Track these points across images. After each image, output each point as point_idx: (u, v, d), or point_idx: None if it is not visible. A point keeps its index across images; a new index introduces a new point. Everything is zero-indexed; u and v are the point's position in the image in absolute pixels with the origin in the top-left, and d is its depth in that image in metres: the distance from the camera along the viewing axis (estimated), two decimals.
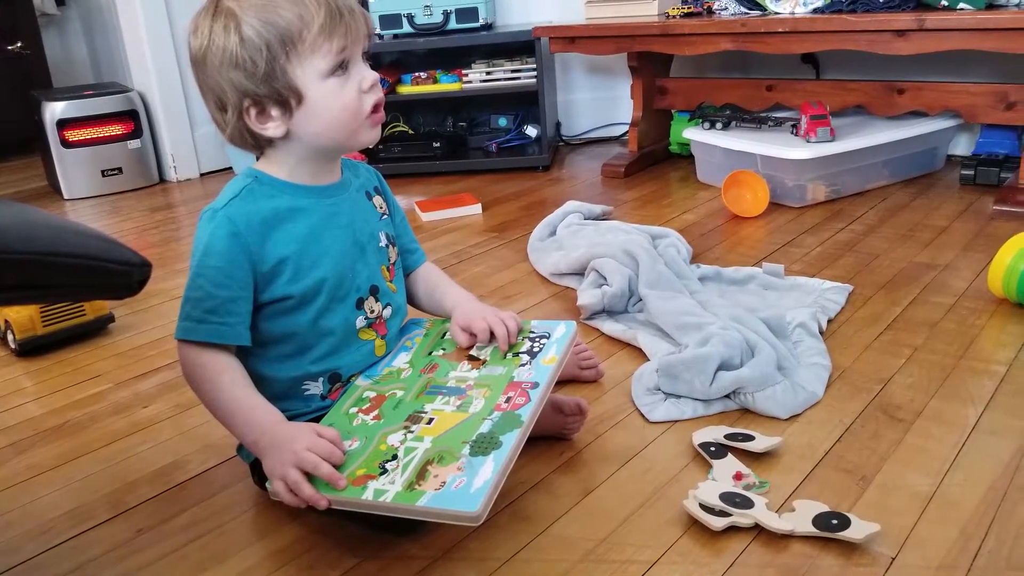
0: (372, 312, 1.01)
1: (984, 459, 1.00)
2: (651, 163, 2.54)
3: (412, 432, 0.89)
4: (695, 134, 2.23)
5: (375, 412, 0.94)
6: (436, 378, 0.97)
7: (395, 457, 0.86)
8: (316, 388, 0.99)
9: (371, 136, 0.96)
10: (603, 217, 1.99)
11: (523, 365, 0.95)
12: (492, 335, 1.00)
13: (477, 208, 2.20)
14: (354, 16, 0.91)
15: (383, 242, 1.04)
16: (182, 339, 0.92)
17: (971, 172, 2.08)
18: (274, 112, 0.91)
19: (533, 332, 1.01)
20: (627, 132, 2.76)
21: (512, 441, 0.84)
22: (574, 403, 1.07)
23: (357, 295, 0.99)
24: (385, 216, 1.07)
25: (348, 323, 0.98)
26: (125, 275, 0.62)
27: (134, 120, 2.72)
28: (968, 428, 1.07)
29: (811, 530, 0.88)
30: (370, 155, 2.61)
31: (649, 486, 0.99)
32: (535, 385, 0.91)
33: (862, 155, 2.03)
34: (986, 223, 1.82)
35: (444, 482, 0.81)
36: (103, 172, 2.68)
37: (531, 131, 2.75)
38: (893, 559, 0.84)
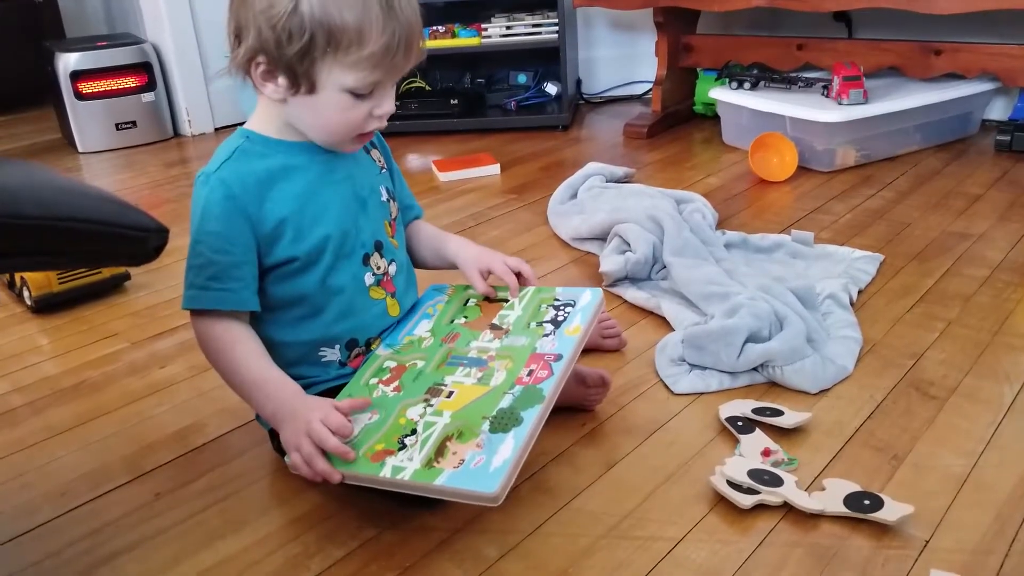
0: (379, 269, 0.98)
1: (1020, 441, 0.97)
2: (675, 124, 2.47)
3: (432, 406, 0.87)
4: (722, 94, 2.17)
5: (395, 383, 0.92)
6: (457, 348, 0.95)
7: (414, 432, 0.84)
8: (333, 355, 0.97)
9: (350, 149, 0.95)
10: (625, 180, 1.94)
11: (546, 335, 0.93)
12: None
13: (495, 168, 2.15)
14: (408, 57, 0.87)
15: (384, 196, 1.01)
16: (190, 309, 0.90)
17: (1007, 138, 2.01)
18: (280, 81, 0.87)
19: (558, 300, 0.98)
20: (650, 91, 2.68)
21: (533, 417, 0.82)
22: (597, 375, 1.05)
23: (363, 251, 0.96)
24: (384, 170, 1.04)
25: (357, 280, 0.96)
26: (141, 241, 0.59)
27: (148, 72, 2.67)
28: (1004, 407, 1.03)
29: (842, 510, 0.86)
30: None
31: (674, 460, 0.97)
32: (558, 358, 0.89)
33: (895, 119, 1.96)
34: (1021, 193, 1.76)
35: (463, 460, 0.79)
36: (117, 125, 2.64)
37: (551, 89, 2.68)
38: (927, 542, 0.82)
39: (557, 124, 2.54)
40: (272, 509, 0.93)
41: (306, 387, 0.95)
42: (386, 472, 0.80)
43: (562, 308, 0.97)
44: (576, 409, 1.06)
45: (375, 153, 1.04)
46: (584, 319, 0.94)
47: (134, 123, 2.67)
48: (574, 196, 1.83)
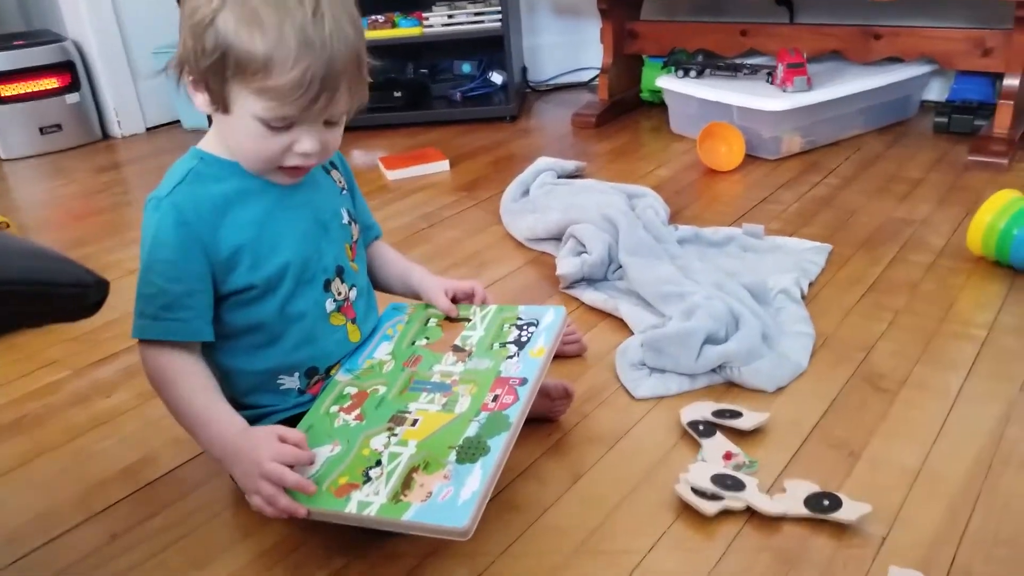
0: (340, 294, 0.96)
1: (968, 429, 1.00)
2: (622, 112, 2.47)
3: (396, 435, 0.86)
4: (668, 83, 2.17)
5: (356, 411, 0.90)
6: (420, 372, 0.94)
7: (379, 463, 0.83)
8: (292, 383, 0.94)
9: (281, 181, 0.90)
10: (576, 174, 1.94)
11: (510, 357, 0.92)
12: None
13: (445, 165, 2.13)
14: (331, 99, 0.81)
15: (345, 219, 0.99)
16: (140, 339, 0.87)
17: (945, 120, 2.06)
18: (202, 97, 0.84)
19: (521, 319, 0.98)
20: (596, 77, 2.68)
21: (500, 446, 0.81)
22: (561, 387, 1.05)
23: (324, 276, 0.94)
24: (344, 191, 1.02)
25: (318, 306, 0.94)
26: (80, 298, 0.57)
27: (71, 72, 2.56)
28: (952, 396, 1.07)
29: (803, 512, 0.88)
30: None
31: (639, 469, 0.98)
32: (523, 382, 0.88)
33: (839, 104, 1.99)
34: (961, 174, 1.81)
35: (430, 492, 0.78)
36: (41, 129, 2.53)
37: (496, 78, 2.65)
38: (884, 539, 0.85)
39: (504, 115, 2.52)
40: (236, 544, 0.91)
41: (264, 416, 0.94)
42: (351, 508, 0.79)
43: (525, 328, 0.96)
44: (541, 420, 1.06)
45: (335, 173, 1.01)
46: (548, 340, 0.93)
47: (59, 126, 2.56)
48: (526, 193, 1.82)
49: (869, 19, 2.14)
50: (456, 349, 0.96)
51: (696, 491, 0.91)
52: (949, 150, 1.97)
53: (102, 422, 1.16)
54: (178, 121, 2.76)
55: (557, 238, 1.55)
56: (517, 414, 0.84)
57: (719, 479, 0.92)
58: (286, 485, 0.80)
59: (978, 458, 0.95)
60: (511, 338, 0.95)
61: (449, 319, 1.01)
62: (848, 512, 0.86)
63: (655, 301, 1.29)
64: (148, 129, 2.73)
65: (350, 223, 1.00)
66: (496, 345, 0.94)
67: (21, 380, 1.28)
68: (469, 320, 1.00)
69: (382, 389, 0.92)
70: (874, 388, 1.10)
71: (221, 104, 0.83)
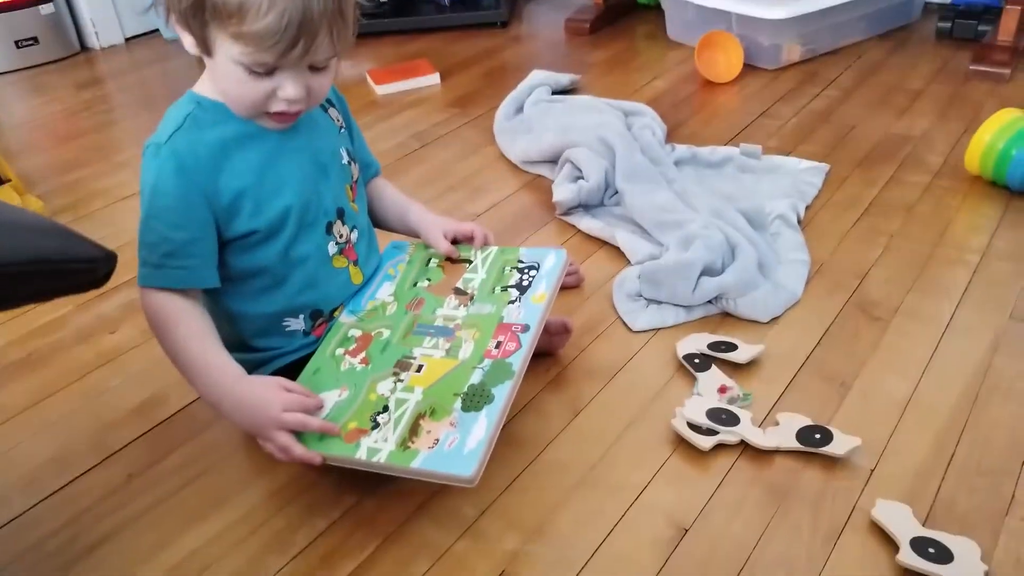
0: (341, 237, 0.96)
1: (957, 359, 1.03)
2: (617, 16, 2.39)
3: (402, 381, 0.88)
4: None
5: (362, 355, 0.92)
6: (423, 315, 0.95)
7: (386, 408, 0.85)
8: (297, 324, 0.96)
9: (270, 126, 0.88)
10: (571, 88, 1.90)
11: (512, 302, 0.93)
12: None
13: (435, 78, 2.07)
14: (308, 46, 0.78)
15: (345, 159, 0.98)
16: (143, 286, 0.87)
17: (948, 25, 2.01)
18: (188, 38, 0.83)
19: (522, 262, 0.98)
20: None
21: (504, 394, 0.83)
22: (560, 323, 1.06)
23: (326, 219, 0.94)
24: (343, 130, 1.00)
25: (320, 250, 0.94)
26: (91, 272, 0.57)
27: None
28: (943, 325, 1.09)
29: (795, 445, 0.91)
30: None
31: (636, 403, 1.01)
32: (525, 328, 0.89)
33: (840, 10, 1.93)
34: (962, 84, 1.78)
35: (437, 439, 0.81)
36: (17, 43, 2.43)
37: None
38: (872, 471, 0.89)
39: (495, 20, 2.43)
40: (250, 483, 0.94)
41: (272, 359, 0.95)
42: (361, 454, 0.82)
43: (526, 271, 0.97)
44: (541, 354, 1.08)
45: (333, 112, 0.99)
46: (549, 285, 0.94)
47: (35, 39, 2.46)
48: (520, 110, 1.78)
49: None
50: (458, 292, 0.97)
51: (692, 426, 0.94)
52: (951, 57, 1.93)
53: (109, 359, 1.17)
54: (157, 30, 2.66)
55: (552, 161, 1.53)
56: (520, 362, 0.86)
57: (714, 413, 0.95)
58: (312, 429, 0.83)
59: (966, 388, 0.98)
60: (512, 282, 0.96)
61: (450, 260, 1.02)
62: (838, 446, 0.90)
63: (652, 229, 1.29)
64: (127, 39, 2.63)
65: (349, 163, 0.99)
66: (498, 289, 0.95)
67: (24, 316, 1.29)
68: (470, 262, 1.01)
69: (386, 332, 0.94)
70: (867, 317, 1.12)
71: (204, 47, 0.82)
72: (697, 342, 1.08)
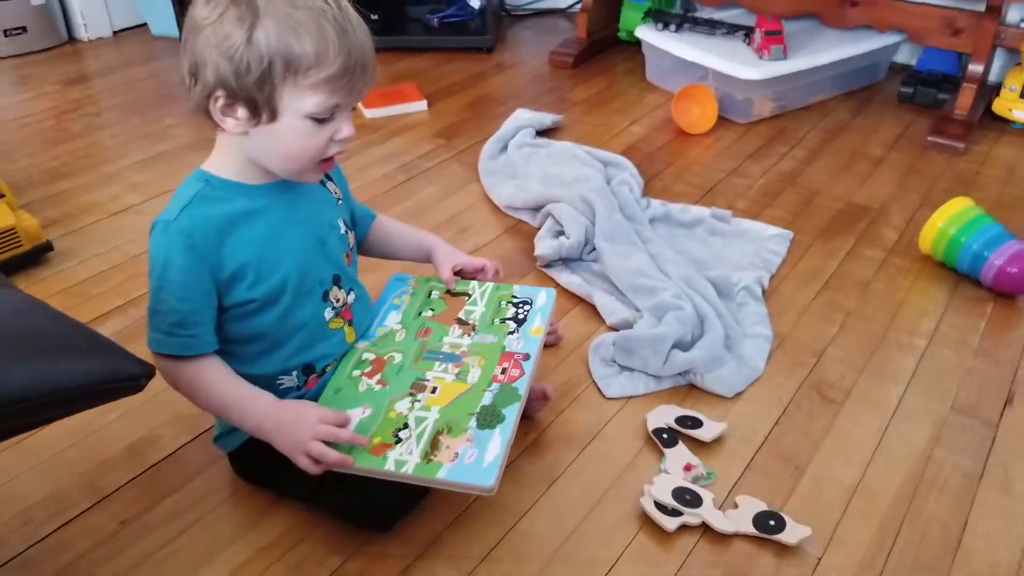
0: (338, 301, 1.01)
1: (901, 446, 1.13)
2: (599, 51, 2.45)
3: (419, 401, 0.96)
4: (647, 34, 2.16)
5: (378, 376, 1.00)
6: (431, 343, 1.04)
7: (406, 426, 0.93)
8: (291, 381, 1.00)
9: (313, 178, 0.94)
10: (554, 127, 1.95)
11: (511, 333, 1.04)
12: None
13: (423, 105, 2.11)
14: (365, 78, 0.87)
15: (342, 229, 1.03)
16: (155, 351, 0.91)
17: (910, 91, 2.12)
18: (241, 113, 0.86)
19: (516, 297, 1.10)
20: (574, 5, 2.63)
21: (513, 414, 0.93)
22: (540, 389, 1.13)
23: (322, 288, 0.99)
24: (340, 201, 1.05)
25: (317, 317, 0.99)
26: (134, 388, 0.61)
27: None
28: (890, 412, 1.19)
29: (752, 531, 0.99)
30: None
31: (608, 474, 1.08)
32: (527, 357, 1.00)
33: (811, 72, 2.02)
34: (920, 155, 1.89)
35: (457, 453, 0.89)
36: (5, 32, 2.39)
37: (474, 2, 2.57)
38: (819, 559, 0.97)
39: (482, 46, 2.47)
40: (240, 537, 0.99)
41: None
42: (390, 465, 0.89)
43: (521, 306, 1.08)
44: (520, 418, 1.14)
45: (331, 185, 1.03)
46: (543, 319, 1.06)
47: (24, 28, 2.42)
48: (504, 149, 1.83)
49: None
50: (460, 322, 1.06)
51: (659, 505, 1.02)
52: (911, 123, 2.04)
53: None
54: (145, 24, 2.63)
55: (535, 209, 1.59)
56: (525, 386, 0.97)
57: (679, 493, 1.03)
58: (339, 440, 0.89)
59: (908, 479, 1.08)
60: (509, 315, 1.06)
61: (449, 292, 1.11)
62: (790, 535, 0.98)
63: (628, 292, 1.36)
64: (115, 32, 2.59)
65: (346, 232, 1.03)
66: (496, 321, 1.06)
67: None
68: (469, 295, 1.11)
69: (398, 357, 1.02)
70: (822, 398, 1.21)
71: (268, 113, 0.86)
72: (665, 415, 1.16)
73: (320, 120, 0.87)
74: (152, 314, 0.90)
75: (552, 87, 2.25)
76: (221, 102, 0.85)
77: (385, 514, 0.98)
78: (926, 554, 0.98)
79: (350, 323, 1.04)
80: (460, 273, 1.13)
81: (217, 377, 0.92)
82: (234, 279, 0.91)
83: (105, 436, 1.13)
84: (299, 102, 0.85)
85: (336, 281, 1.00)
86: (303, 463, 0.89)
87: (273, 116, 0.85)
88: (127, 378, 0.60)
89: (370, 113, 2.06)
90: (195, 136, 1.95)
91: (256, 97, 0.84)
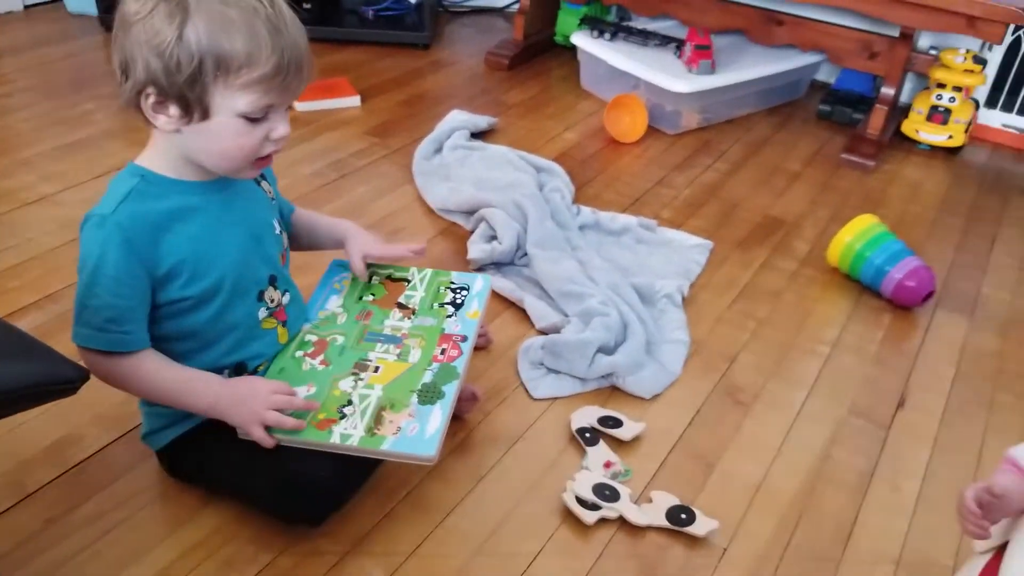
0: (272, 301, 1.03)
1: (802, 447, 1.21)
2: (535, 54, 2.49)
3: (362, 379, 1.00)
4: (583, 41, 2.22)
5: (321, 357, 1.03)
6: (372, 325, 1.08)
7: (350, 402, 0.97)
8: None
9: (249, 175, 0.96)
10: (488, 130, 1.99)
11: (450, 316, 1.09)
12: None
13: (356, 100, 2.11)
14: (299, 78, 0.88)
15: (277, 229, 1.04)
16: (83, 346, 0.91)
17: (828, 109, 2.24)
18: (172, 111, 0.87)
19: (454, 283, 1.15)
20: (512, 5, 2.67)
21: (452, 391, 0.99)
22: (469, 391, 1.17)
23: (257, 288, 1.00)
24: (273, 201, 1.07)
25: (251, 316, 1.00)
26: (69, 391, 0.62)
27: None
28: (794, 414, 1.27)
29: (664, 523, 1.06)
30: None
31: (532, 473, 1.13)
32: (464, 339, 1.06)
33: (737, 87, 2.12)
34: (834, 171, 2.00)
35: (399, 427, 0.94)
36: None
37: None
38: (725, 550, 1.05)
39: (418, 42, 2.48)
40: (168, 536, 1.00)
41: (191, 415, 1.00)
42: (335, 439, 0.93)
43: (458, 291, 1.13)
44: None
45: (265, 185, 1.05)
46: (480, 304, 1.12)
47: None
48: (439, 150, 1.86)
49: (776, 4, 2.24)
50: (401, 306, 1.11)
51: (579, 499, 1.08)
52: (828, 141, 2.15)
53: None
54: (59, 0, 2.54)
55: (468, 212, 1.63)
56: (463, 365, 1.03)
57: (599, 489, 1.09)
58: (295, 408, 0.93)
59: (807, 476, 1.16)
60: (448, 300, 1.12)
61: (390, 278, 1.16)
62: (700, 527, 1.05)
63: (557, 297, 1.42)
64: (26, 7, 2.50)
65: (280, 232, 1.05)
66: (435, 305, 1.11)
67: None
68: (408, 281, 1.15)
69: (340, 339, 1.06)
70: (733, 401, 1.29)
71: (200, 111, 0.86)
72: (588, 416, 1.21)
73: (254, 119, 0.88)
74: (82, 309, 0.90)
75: (487, 88, 2.29)
76: (152, 99, 0.86)
77: (316, 506, 1.00)
78: (820, 545, 1.06)
79: (284, 324, 1.05)
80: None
81: (157, 366, 0.93)
82: (169, 276, 0.92)
83: (25, 435, 1.11)
84: (231, 101, 0.86)
85: (272, 281, 1.02)
86: (258, 435, 0.92)
87: (205, 115, 0.86)
88: (63, 381, 0.61)
89: (301, 106, 2.05)
90: (117, 123, 1.90)
91: (187, 95, 0.85)
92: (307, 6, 2.44)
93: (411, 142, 1.92)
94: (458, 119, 1.94)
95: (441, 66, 2.41)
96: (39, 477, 1.06)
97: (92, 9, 2.41)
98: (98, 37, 2.35)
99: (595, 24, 2.23)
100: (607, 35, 2.20)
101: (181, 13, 0.82)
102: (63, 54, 2.26)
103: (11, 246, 1.48)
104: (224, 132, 0.88)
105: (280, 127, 0.90)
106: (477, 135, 1.97)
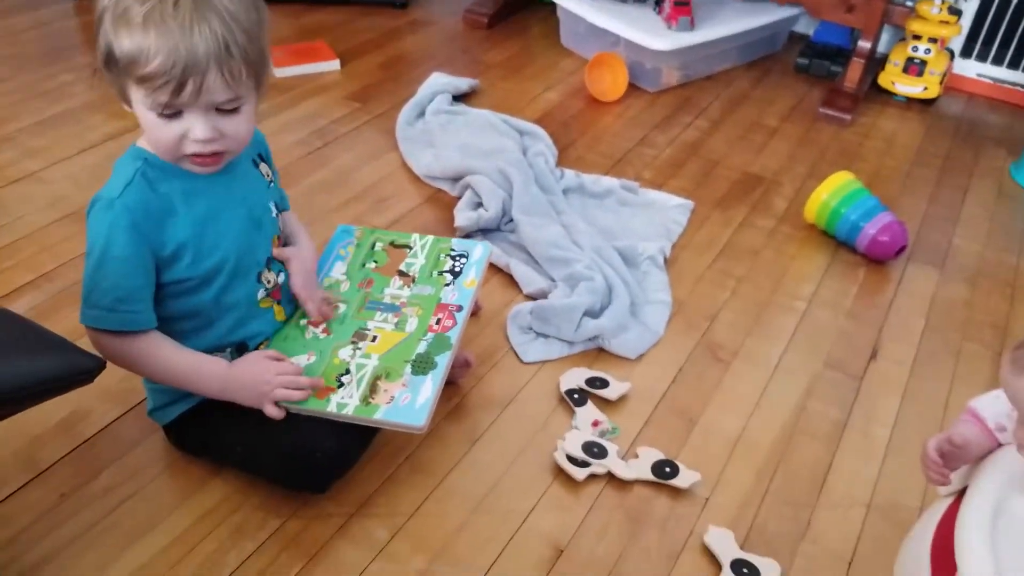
0: (269, 282, 1.06)
1: (779, 401, 1.28)
2: (514, 11, 2.48)
3: (360, 349, 1.05)
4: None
5: (323, 326, 1.08)
6: (373, 293, 1.13)
7: (348, 371, 1.02)
8: (225, 358, 1.04)
9: (197, 171, 0.95)
10: (470, 92, 2.00)
11: (447, 285, 1.14)
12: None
13: (335, 64, 2.11)
14: (200, 82, 0.85)
15: (274, 212, 1.07)
16: (94, 327, 0.94)
17: (806, 62, 2.26)
18: (116, 91, 0.91)
19: (453, 250, 1.19)
20: None
21: (444, 361, 1.04)
22: (462, 357, 1.22)
23: (257, 269, 1.04)
24: (272, 183, 1.09)
25: (250, 296, 1.04)
26: (87, 380, 0.66)
27: None
28: (771, 368, 1.33)
29: (650, 477, 1.12)
30: None
31: (525, 432, 1.19)
32: (460, 308, 1.10)
33: (716, 43, 2.13)
34: (811, 125, 2.04)
35: (393, 396, 0.99)
36: None
37: None
38: (707, 499, 1.11)
39: (395, 1, 2.46)
40: (179, 505, 1.05)
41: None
42: (332, 408, 0.99)
43: (458, 259, 1.18)
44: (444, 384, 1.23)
45: (264, 167, 1.07)
46: (478, 273, 1.15)
47: None
48: (422, 115, 1.87)
49: None
50: (401, 274, 1.16)
51: (569, 457, 1.13)
52: (805, 95, 2.18)
53: None
54: None
55: (454, 179, 1.66)
56: (457, 336, 1.07)
57: (588, 447, 1.15)
58: (302, 387, 0.98)
59: (784, 428, 1.23)
60: (447, 267, 1.16)
61: (393, 244, 1.20)
62: (683, 479, 1.12)
63: (544, 263, 1.46)
64: None
65: (277, 216, 1.08)
66: (434, 273, 1.15)
67: None
68: (410, 248, 1.20)
69: (342, 307, 1.11)
70: (713, 358, 1.35)
71: (125, 100, 0.91)
72: (576, 377, 1.27)
73: (165, 115, 0.88)
74: (91, 291, 0.93)
75: (467, 47, 2.29)
76: (106, 77, 0.90)
77: (320, 475, 1.05)
78: (796, 492, 1.13)
79: (279, 302, 1.09)
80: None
81: (168, 351, 0.97)
82: (174, 258, 0.95)
83: (34, 412, 1.09)
84: (135, 93, 0.88)
85: (268, 263, 1.05)
86: (270, 412, 0.97)
87: (128, 103, 0.90)
88: (82, 371, 0.65)
89: (280, 72, 2.05)
90: (96, 94, 1.88)
91: (115, 82, 0.89)
92: None
93: (393, 106, 1.93)
94: (439, 82, 1.95)
95: (419, 26, 2.40)
96: (51, 453, 1.10)
97: None
98: (67, 4, 2.31)
99: None
100: None
101: (111, 6, 0.86)
102: (31, 23, 2.22)
103: (1, 225, 1.49)
104: (144, 122, 0.90)
105: (196, 128, 0.89)
106: (459, 98, 1.98)
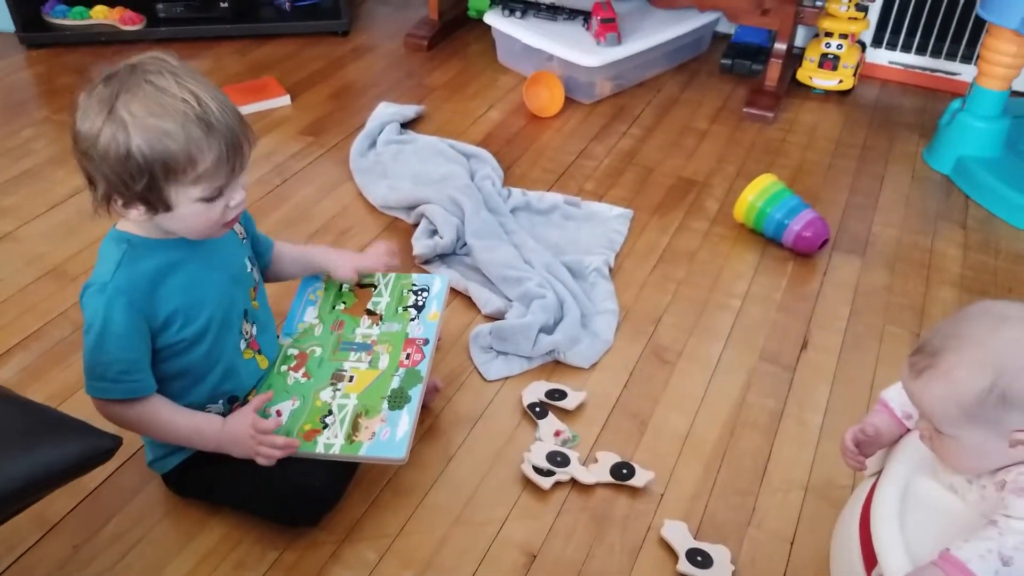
0: (248, 334, 1.16)
1: (721, 396, 1.41)
2: (451, 31, 2.57)
3: (339, 390, 1.15)
4: (496, 21, 2.31)
5: (303, 370, 1.18)
6: (345, 335, 1.23)
7: (330, 412, 1.12)
8: (218, 409, 1.14)
9: (220, 235, 1.06)
10: (417, 118, 2.10)
11: (412, 320, 1.24)
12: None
13: (286, 99, 2.18)
14: (241, 155, 0.97)
15: (249, 267, 1.17)
16: (101, 398, 1.03)
17: (729, 62, 2.40)
18: (140, 209, 0.98)
19: (415, 285, 1.30)
20: None
21: (417, 394, 1.14)
22: (432, 383, 1.33)
23: (239, 322, 1.13)
24: (245, 240, 1.18)
25: (235, 348, 1.14)
26: (105, 459, 0.75)
27: None
28: (712, 366, 1.47)
29: (609, 479, 1.25)
30: (150, 16, 2.39)
31: (493, 447, 1.30)
32: (426, 342, 1.21)
33: (644, 52, 2.25)
34: (737, 125, 2.18)
35: (374, 432, 1.10)
36: None
37: None
38: (662, 495, 1.24)
39: (337, 30, 2.53)
40: (183, 547, 1.14)
41: None
42: (320, 449, 1.09)
43: (420, 293, 1.28)
44: None
45: (237, 226, 1.16)
46: (439, 305, 1.26)
47: None
48: (373, 145, 1.97)
49: None
50: (369, 313, 1.26)
51: (536, 468, 1.25)
52: (731, 94, 2.32)
53: None
54: None
55: (409, 208, 1.76)
56: (426, 368, 1.18)
57: (552, 456, 1.27)
58: (277, 456, 1.07)
59: (726, 422, 1.36)
60: (411, 303, 1.26)
61: (359, 285, 1.30)
62: (639, 479, 1.24)
63: (498, 283, 1.57)
64: None
65: (252, 269, 1.17)
66: (400, 309, 1.26)
67: None
68: (375, 287, 1.30)
69: (319, 350, 1.21)
70: (660, 360, 1.48)
71: (163, 206, 0.98)
72: (537, 391, 1.39)
73: (211, 199, 0.99)
74: (95, 365, 1.02)
75: (410, 71, 2.37)
76: (120, 203, 0.97)
77: (312, 509, 1.15)
78: (741, 481, 1.27)
79: (259, 352, 1.19)
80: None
81: (169, 415, 1.07)
82: (166, 324, 1.04)
83: None
84: (186, 194, 0.97)
85: (245, 315, 1.15)
86: (262, 462, 1.07)
87: (168, 207, 0.98)
88: (102, 452, 0.74)
89: None
90: (57, 149, 1.95)
91: (148, 197, 0.96)
92: (224, 4, 2.45)
93: (345, 137, 2.02)
94: (387, 112, 2.04)
95: (363, 52, 2.48)
96: (58, 508, 1.18)
97: (9, 26, 2.38)
98: (19, 56, 2.34)
99: (505, 3, 2.32)
100: (517, 13, 2.30)
101: (123, 133, 0.92)
102: None
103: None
104: (188, 215, 0.99)
105: (235, 196, 1.01)
106: (407, 124, 2.07)
